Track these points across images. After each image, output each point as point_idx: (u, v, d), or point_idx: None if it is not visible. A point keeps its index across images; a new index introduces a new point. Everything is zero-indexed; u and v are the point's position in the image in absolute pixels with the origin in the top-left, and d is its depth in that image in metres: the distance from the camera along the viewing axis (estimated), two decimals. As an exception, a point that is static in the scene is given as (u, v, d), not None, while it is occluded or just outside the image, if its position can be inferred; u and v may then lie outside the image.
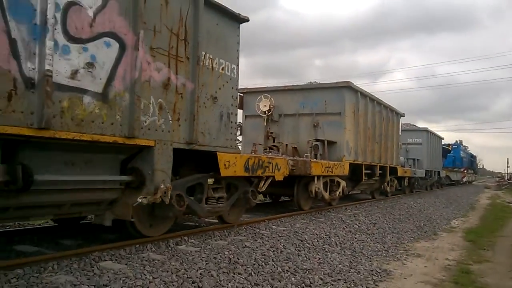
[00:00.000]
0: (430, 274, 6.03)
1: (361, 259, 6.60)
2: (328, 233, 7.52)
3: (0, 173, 3.63)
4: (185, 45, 5.41)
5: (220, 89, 6.12)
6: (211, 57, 5.91)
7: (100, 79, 4.29)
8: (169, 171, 5.11)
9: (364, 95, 11.87)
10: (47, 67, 3.71)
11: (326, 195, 9.88)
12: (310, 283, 4.98)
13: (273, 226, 7.49)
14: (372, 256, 6.94)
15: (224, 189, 6.46)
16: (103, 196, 4.82)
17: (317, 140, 10.37)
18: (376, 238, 8.32)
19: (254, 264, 5.08)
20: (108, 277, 3.96)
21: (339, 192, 10.47)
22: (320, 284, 5.03)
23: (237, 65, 6.47)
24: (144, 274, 4.15)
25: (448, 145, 34.53)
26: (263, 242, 6.03)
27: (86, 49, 4.16)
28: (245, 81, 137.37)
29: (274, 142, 10.79)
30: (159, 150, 4.99)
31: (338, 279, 5.33)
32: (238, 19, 6.45)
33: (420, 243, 8.72)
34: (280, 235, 6.68)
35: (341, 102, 10.67)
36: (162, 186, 4.95)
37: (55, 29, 3.82)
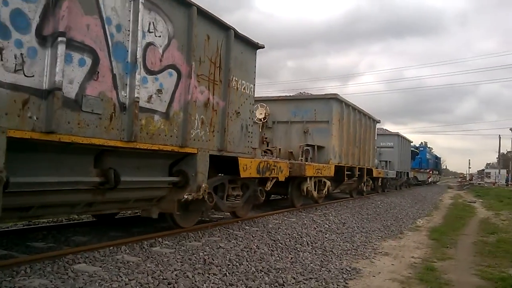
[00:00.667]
0: (397, 272, 6.25)
1: (331, 258, 6.76)
2: (300, 233, 7.66)
3: (97, 175, 4.76)
4: (219, 71, 6.55)
5: (241, 105, 7.20)
6: (236, 79, 6.98)
7: (165, 101, 5.41)
8: (206, 173, 6.17)
9: (348, 105, 13.08)
10: (136, 94, 4.82)
11: (315, 193, 11.01)
12: (283, 282, 5.09)
13: (246, 227, 7.58)
14: (342, 255, 7.12)
15: (239, 188, 7.58)
16: (156, 194, 5.90)
17: (307, 145, 11.45)
18: (345, 237, 8.53)
19: (228, 265, 5.14)
20: (83, 279, 3.93)
21: (325, 191, 11.61)
22: (293, 283, 5.14)
23: (254, 85, 7.60)
24: (120, 276, 4.13)
25: (416, 147, 36.26)
26: (237, 243, 6.10)
27: (157, 79, 5.28)
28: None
29: (268, 146, 11.62)
30: (200, 156, 6.06)
31: (310, 278, 5.45)
32: (256, 46, 7.56)
33: (387, 242, 8.99)
34: (253, 235, 6.77)
35: (329, 112, 11.88)
36: (203, 185, 6.05)
37: (140, 65, 4.89)
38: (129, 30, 4.80)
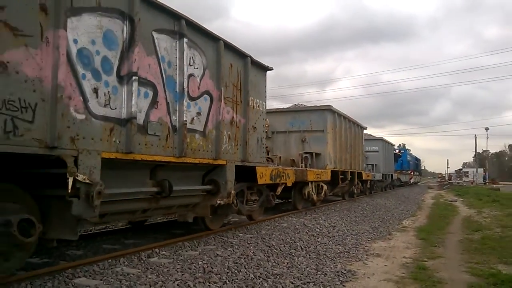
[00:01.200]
0: (391, 272, 6.35)
1: (326, 261, 6.84)
2: (293, 238, 7.74)
3: (153, 186, 5.76)
4: (240, 93, 7.69)
5: (257, 121, 8.30)
6: (252, 99, 8.09)
7: (202, 122, 6.50)
8: (233, 181, 7.25)
9: (340, 114, 14.31)
10: (184, 118, 5.94)
11: (315, 196, 12.14)
12: (282, 287, 5.14)
13: (240, 234, 7.64)
14: (336, 258, 7.20)
15: (256, 194, 8.69)
16: (193, 200, 6.84)
17: (306, 152, 12.47)
18: (337, 240, 8.63)
19: (227, 272, 5.18)
20: (86, 294, 3.91)
21: (323, 194, 12.76)
22: (291, 288, 5.19)
23: (265, 102, 8.74)
24: (122, 288, 4.12)
25: (399, 150, 38.37)
26: (233, 250, 6.15)
27: (196, 103, 6.36)
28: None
29: (268, 155, 12.31)
30: (229, 167, 7.11)
31: (308, 282, 5.52)
32: (266, 69, 8.75)
33: (377, 243, 9.11)
34: (248, 242, 6.83)
35: (324, 121, 13.06)
36: (232, 192, 7.16)
37: (185, 93, 6.00)
38: (176, 65, 5.89)
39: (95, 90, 4.57)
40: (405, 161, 40.08)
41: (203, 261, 5.39)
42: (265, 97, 8.69)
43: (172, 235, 7.66)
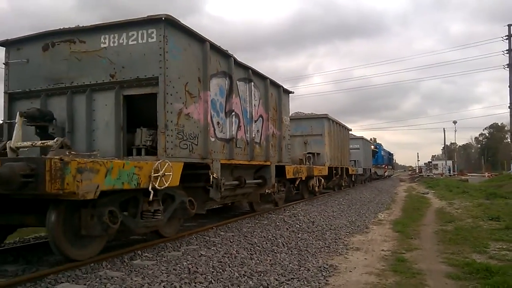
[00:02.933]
0: (371, 265, 6.49)
1: (307, 257, 6.94)
2: (274, 235, 7.83)
3: (234, 179, 8.61)
4: (276, 113, 10.77)
5: (285, 131, 11.37)
6: (283, 116, 11.02)
7: (259, 136, 9.52)
8: (274, 177, 10.24)
9: (333, 120, 17.79)
10: (252, 135, 9.08)
11: (317, 188, 15.21)
12: (267, 284, 5.20)
13: (222, 233, 7.68)
14: (317, 253, 7.31)
15: (283, 185, 11.59)
16: (249, 190, 9.64)
17: (309, 153, 15.34)
18: (317, 235, 8.75)
19: (212, 272, 5.22)
20: (70, 299, 3.84)
21: (322, 186, 15.91)
22: (276, 285, 5.27)
23: (289, 117, 12.05)
24: (108, 292, 4.07)
25: (375, 147, 41.70)
26: (217, 249, 6.17)
27: (256, 124, 9.31)
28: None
29: None
30: (272, 166, 10.17)
31: (292, 278, 5.59)
32: (290, 92, 11.98)
33: (355, 237, 9.28)
34: (231, 240, 6.86)
35: (322, 127, 16.40)
36: (275, 184, 10.24)
37: (249, 117, 8.93)
38: (247, 100, 8.90)
39: (218, 123, 7.58)
40: (380, 156, 43.49)
41: (188, 262, 5.40)
42: (289, 113, 11.90)
43: (152, 236, 7.60)
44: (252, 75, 9.18)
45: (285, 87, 11.38)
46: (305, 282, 5.43)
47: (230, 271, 5.43)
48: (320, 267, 6.24)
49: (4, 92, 7.03)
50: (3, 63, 7.03)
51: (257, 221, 9.30)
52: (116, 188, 5.05)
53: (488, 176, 50.10)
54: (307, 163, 14.44)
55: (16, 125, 6.06)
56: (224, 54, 7.95)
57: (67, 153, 4.97)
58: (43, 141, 5.92)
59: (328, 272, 6.02)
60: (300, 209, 11.91)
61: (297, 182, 12.57)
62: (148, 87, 6.15)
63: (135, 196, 5.75)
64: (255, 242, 7.10)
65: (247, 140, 8.84)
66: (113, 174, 4.95)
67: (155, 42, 6.07)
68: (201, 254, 5.89)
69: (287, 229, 8.75)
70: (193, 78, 6.82)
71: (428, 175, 59.97)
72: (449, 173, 59.99)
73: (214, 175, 7.23)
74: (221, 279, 5.07)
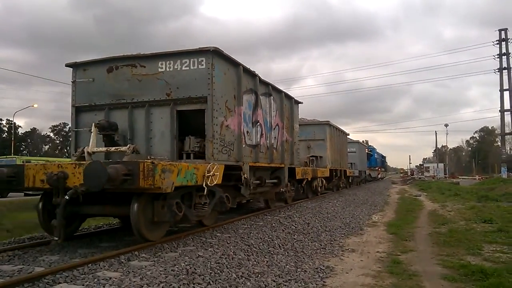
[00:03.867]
0: (367, 267, 6.53)
1: (304, 258, 6.97)
2: (270, 236, 7.86)
3: (256, 179, 9.76)
4: (289, 121, 12.17)
5: (295, 137, 12.81)
6: (293, 124, 12.50)
7: (276, 142, 10.88)
8: (287, 177, 11.67)
9: (334, 126, 19.42)
10: (272, 141, 10.49)
11: (319, 188, 16.80)
12: (265, 285, 5.24)
13: (218, 234, 7.69)
14: (313, 255, 7.35)
15: (293, 185, 13.22)
16: (266, 189, 10.81)
17: (312, 156, 16.69)
18: (312, 237, 8.80)
19: (211, 273, 5.24)
20: (69, 300, 3.83)
21: (323, 187, 17.53)
22: (274, 286, 5.31)
23: (298, 124, 13.37)
24: (107, 293, 4.06)
25: (369, 150, 43.78)
26: (214, 251, 6.18)
27: (274, 132, 10.70)
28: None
29: None
30: (285, 168, 11.62)
31: (289, 280, 5.62)
32: (299, 102, 13.37)
33: (350, 239, 9.34)
34: (228, 242, 6.86)
35: (324, 133, 17.84)
36: (288, 183, 11.67)
37: (269, 126, 10.19)
38: (267, 112, 10.37)
39: (247, 132, 9.08)
40: (373, 159, 45.12)
41: (185, 263, 5.41)
42: (298, 121, 13.38)
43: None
44: (271, 90, 10.73)
45: (296, 98, 12.96)
46: (303, 284, 5.46)
47: (228, 272, 5.44)
48: (316, 268, 6.27)
49: (71, 106, 8.47)
50: (71, 81, 8.43)
51: (252, 222, 9.33)
52: (182, 184, 6.53)
53: (479, 179, 50.73)
54: (310, 165, 15.92)
55: (92, 134, 7.52)
56: (251, 74, 9.51)
57: (148, 157, 6.81)
58: (116, 147, 7.45)
59: (324, 273, 6.06)
60: (295, 210, 11.95)
61: (304, 183, 14.26)
62: (198, 104, 7.67)
63: (190, 191, 7.23)
64: (252, 244, 7.12)
65: (267, 146, 10.33)
66: (182, 173, 6.44)
67: (205, 68, 7.58)
68: (199, 255, 5.90)
69: (283, 230, 8.79)
70: (231, 96, 8.39)
71: (419, 178, 60.40)
72: (444, 175, 60.55)
73: (245, 175, 8.76)
74: (219, 280, 5.08)
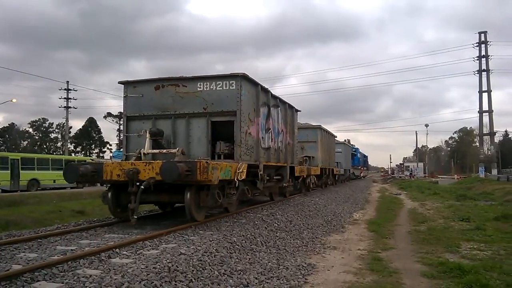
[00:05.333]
0: (349, 264, 6.60)
1: (286, 255, 7.00)
2: (253, 234, 7.88)
3: (267, 176, 11.91)
4: (291, 127, 13.98)
5: (295, 140, 14.72)
6: (294, 129, 14.42)
7: (281, 145, 12.86)
8: (288, 174, 13.37)
9: (324, 130, 21.56)
10: (278, 144, 12.53)
11: (311, 185, 18.78)
12: (248, 283, 5.25)
13: (200, 231, 7.63)
14: (295, 252, 7.38)
15: (292, 182, 14.85)
16: (272, 184, 12.53)
17: (305, 156, 18.64)
18: (294, 234, 8.85)
19: (193, 270, 5.21)
20: (48, 298, 3.76)
21: (315, 184, 19.68)
22: (256, 283, 5.31)
23: (296, 129, 15.10)
24: (88, 291, 4.00)
25: (354, 150, 46.14)
26: (196, 248, 6.13)
27: (280, 136, 12.71)
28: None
29: None
30: (287, 167, 13.39)
31: (271, 277, 5.64)
32: (298, 110, 15.14)
33: (332, 236, 9.41)
34: (210, 239, 6.82)
35: (316, 135, 19.94)
36: (290, 180, 13.61)
37: (277, 132, 12.41)
38: (276, 120, 12.32)
39: (262, 137, 11.03)
40: (357, 159, 47.39)
41: (167, 260, 5.34)
42: (297, 126, 15.37)
43: (128, 235, 7.52)
44: (279, 102, 12.83)
45: (296, 107, 15.01)
46: (285, 281, 5.50)
47: (210, 269, 5.44)
48: (298, 265, 6.32)
49: (123, 115, 10.54)
50: (124, 96, 10.41)
51: (235, 220, 9.34)
52: (222, 178, 8.58)
53: (457, 178, 51.81)
54: (304, 164, 17.82)
55: (147, 139, 9.58)
56: (265, 90, 11.58)
57: (200, 157, 8.81)
58: (167, 149, 9.53)
59: (306, 270, 6.12)
60: (278, 208, 11.99)
61: (300, 179, 16.34)
62: (228, 116, 9.74)
63: (223, 184, 9.24)
64: (235, 241, 7.11)
65: (275, 148, 12.38)
66: (223, 170, 8.54)
67: (234, 89, 9.65)
68: (181, 252, 5.86)
69: (265, 228, 8.81)
70: (252, 109, 10.48)
71: (400, 177, 61.25)
72: (424, 175, 61.55)
73: (261, 172, 10.84)
74: (201, 278, 5.07)
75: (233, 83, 9.54)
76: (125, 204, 8.51)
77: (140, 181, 7.83)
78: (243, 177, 9.32)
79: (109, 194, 8.97)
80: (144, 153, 9.31)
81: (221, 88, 9.59)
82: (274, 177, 12.72)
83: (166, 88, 9.96)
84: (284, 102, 13.36)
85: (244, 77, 9.79)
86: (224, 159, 9.67)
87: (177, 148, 9.23)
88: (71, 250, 6.24)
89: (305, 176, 16.77)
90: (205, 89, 9.70)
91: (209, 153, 9.66)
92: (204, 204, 8.62)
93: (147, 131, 9.48)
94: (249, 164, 9.91)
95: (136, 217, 7.97)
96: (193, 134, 9.82)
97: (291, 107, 14.17)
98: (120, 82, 10.44)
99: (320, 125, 20.73)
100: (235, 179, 9.00)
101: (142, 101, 10.08)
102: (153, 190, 8.08)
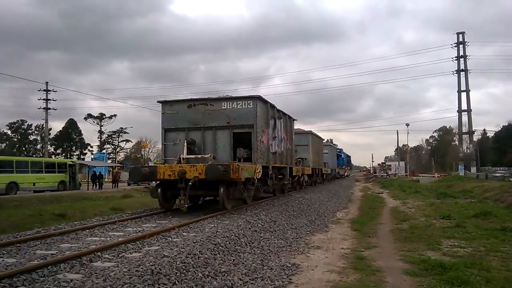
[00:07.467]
0: (332, 264, 6.68)
1: (270, 256, 7.04)
2: (237, 235, 7.86)
3: (277, 174, 15.47)
4: (289, 133, 17.04)
5: (293, 144, 17.60)
6: (291, 135, 17.36)
7: (283, 149, 15.79)
8: (288, 174, 16.40)
9: (315, 134, 24.53)
10: (282, 149, 15.57)
11: (304, 183, 21.51)
12: (232, 284, 5.27)
13: (184, 233, 7.59)
14: (279, 252, 7.42)
15: (290, 180, 17.63)
16: (276, 182, 15.47)
17: (299, 158, 20.89)
18: (278, 235, 8.86)
19: (176, 273, 5.21)
20: (28, 304, 3.68)
21: (306, 182, 22.35)
22: (241, 285, 5.35)
23: (293, 135, 17.86)
24: (68, 296, 3.93)
25: (339, 151, 49.42)
26: (180, 250, 6.09)
27: (283, 142, 15.65)
28: (128, 85, 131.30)
29: None
30: (288, 168, 16.50)
31: (256, 278, 5.67)
32: (295, 120, 18.03)
33: (316, 236, 9.45)
34: (194, 241, 6.77)
35: (307, 140, 22.49)
36: (289, 179, 16.80)
37: (280, 139, 15.43)
38: (279, 129, 15.20)
39: (271, 144, 13.95)
40: (341, 159, 50.11)
41: (150, 263, 5.30)
42: (293, 133, 17.99)
43: (109, 237, 7.41)
44: (281, 114, 15.65)
45: (293, 117, 17.86)
46: (269, 281, 5.51)
47: (194, 271, 5.42)
48: (283, 266, 6.35)
49: (162, 128, 13.15)
50: (162, 113, 13.08)
51: (219, 221, 9.31)
52: (247, 177, 11.39)
53: (438, 176, 52.77)
54: (298, 165, 20.35)
55: (184, 147, 12.26)
56: (272, 106, 14.44)
57: (229, 161, 11.35)
58: (202, 155, 12.22)
59: (290, 270, 6.16)
60: (262, 208, 11.99)
61: (296, 178, 19.08)
62: (246, 128, 12.53)
63: (245, 182, 11.92)
64: (219, 242, 7.09)
65: (279, 152, 15.15)
66: (247, 170, 11.33)
67: (252, 107, 12.44)
68: (164, 255, 5.81)
69: (249, 228, 8.80)
70: (263, 122, 13.29)
71: (382, 176, 61.96)
72: (405, 173, 62.40)
73: (270, 172, 13.74)
74: (185, 280, 5.05)
75: (250, 102, 12.31)
76: (170, 198, 11.84)
77: (186, 180, 10.51)
78: (259, 176, 12.15)
79: (159, 190, 11.74)
80: (182, 158, 11.94)
81: (241, 107, 12.33)
82: (279, 176, 15.59)
83: (197, 107, 12.70)
84: (285, 114, 16.24)
85: (259, 98, 12.73)
86: (244, 162, 12.15)
87: (210, 154, 12.02)
88: (52, 254, 6.17)
89: (300, 175, 19.64)
90: (228, 107, 12.43)
91: (231, 158, 12.22)
92: (232, 196, 11.50)
93: (185, 141, 12.23)
94: (263, 166, 12.72)
95: (187, 205, 10.67)
96: (219, 143, 12.50)
97: (290, 117, 17.14)
98: (159, 101, 13.22)
99: (311, 131, 23.74)
100: (254, 177, 11.82)
101: (177, 117, 12.78)
102: (196, 186, 10.57)
